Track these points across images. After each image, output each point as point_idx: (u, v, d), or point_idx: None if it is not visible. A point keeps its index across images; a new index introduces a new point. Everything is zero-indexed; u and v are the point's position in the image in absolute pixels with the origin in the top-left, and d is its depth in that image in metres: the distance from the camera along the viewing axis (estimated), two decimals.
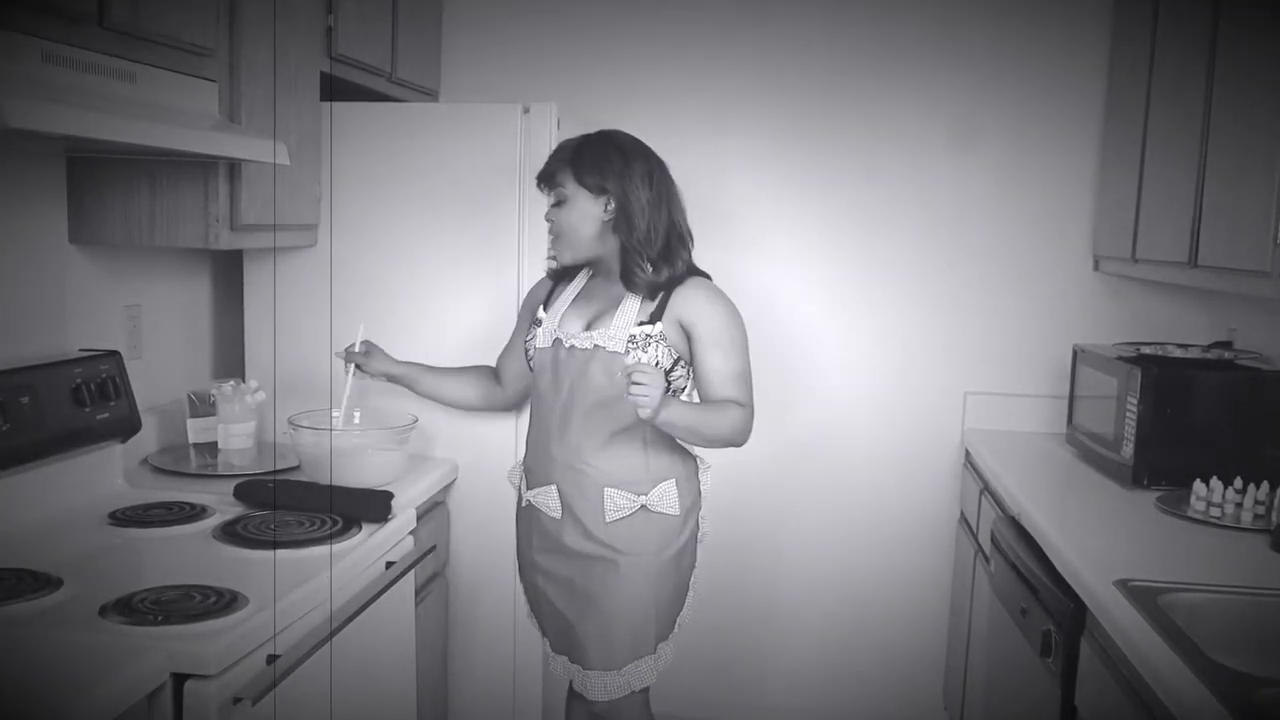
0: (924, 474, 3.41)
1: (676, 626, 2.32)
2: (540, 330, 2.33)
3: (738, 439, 2.26)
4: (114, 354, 2.36)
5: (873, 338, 3.39)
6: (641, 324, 2.22)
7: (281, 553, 1.98)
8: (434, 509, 2.65)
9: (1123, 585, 1.88)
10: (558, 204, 2.28)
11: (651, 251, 2.23)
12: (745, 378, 2.27)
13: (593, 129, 2.43)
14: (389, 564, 2.18)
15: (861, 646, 3.48)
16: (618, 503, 2.23)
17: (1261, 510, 2.31)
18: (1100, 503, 2.54)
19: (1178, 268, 2.61)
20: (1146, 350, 2.87)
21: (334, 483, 2.35)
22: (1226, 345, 2.95)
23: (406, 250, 2.73)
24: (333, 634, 1.83)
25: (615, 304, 2.27)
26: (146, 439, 2.56)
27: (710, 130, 3.35)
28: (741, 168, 3.35)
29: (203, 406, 2.60)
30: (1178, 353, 2.84)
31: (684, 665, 2.49)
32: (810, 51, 3.32)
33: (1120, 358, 2.77)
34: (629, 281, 2.25)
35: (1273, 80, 2.18)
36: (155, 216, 2.30)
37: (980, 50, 3.27)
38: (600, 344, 2.22)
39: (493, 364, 2.62)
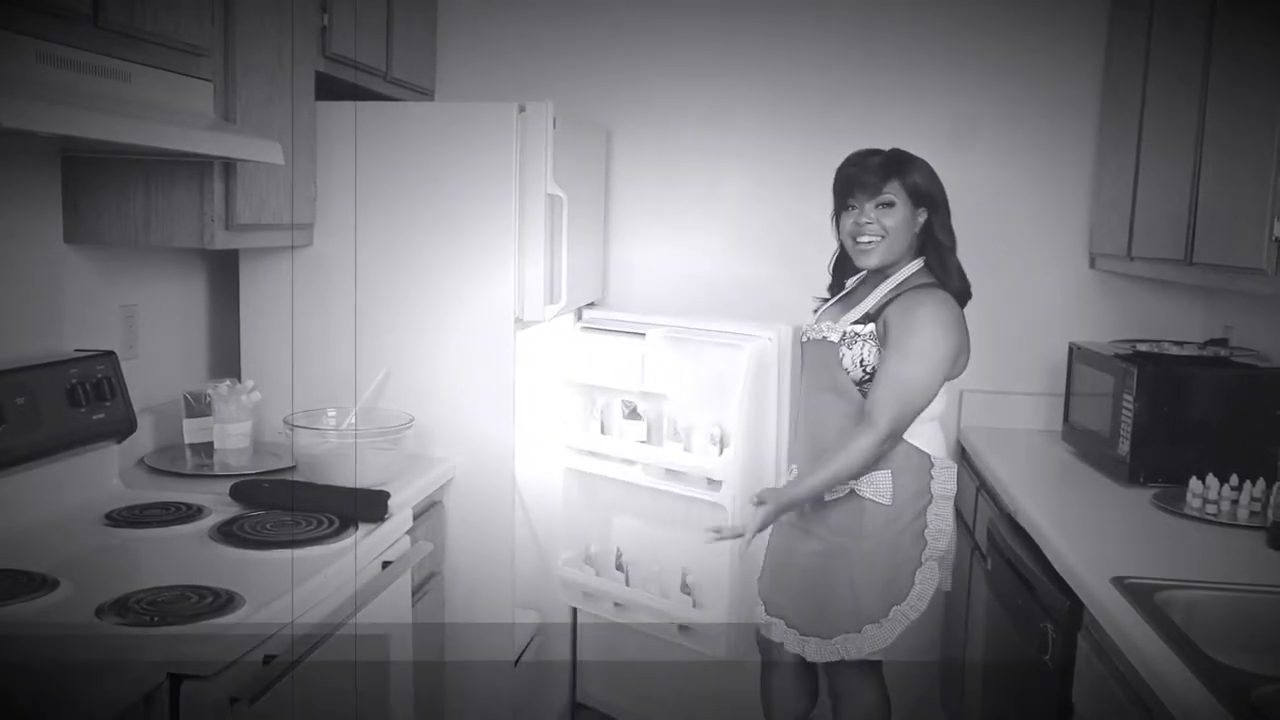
0: None
1: (891, 614, 2.35)
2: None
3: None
4: (109, 354, 2.35)
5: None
6: (856, 322, 2.34)
7: (278, 553, 1.98)
8: (431, 508, 2.64)
9: (1119, 583, 1.88)
10: (883, 209, 2.35)
11: (954, 260, 2.41)
12: (903, 392, 2.27)
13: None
14: (386, 564, 2.18)
15: None
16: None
17: (1258, 507, 2.31)
18: (1097, 500, 2.54)
19: (1173, 265, 2.62)
20: (1142, 347, 2.87)
21: (330, 482, 2.35)
22: (1222, 342, 2.95)
23: (402, 249, 2.72)
24: (330, 633, 1.83)
25: (857, 303, 2.39)
26: (142, 439, 2.55)
27: (706, 129, 3.34)
28: (738, 166, 3.34)
29: (199, 406, 2.59)
30: (1174, 350, 2.84)
31: None
32: (807, 50, 3.31)
33: (1116, 355, 2.77)
34: (945, 283, 2.38)
35: (1268, 79, 2.18)
36: (150, 216, 2.29)
37: (976, 48, 3.27)
38: (824, 335, 2.37)
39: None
